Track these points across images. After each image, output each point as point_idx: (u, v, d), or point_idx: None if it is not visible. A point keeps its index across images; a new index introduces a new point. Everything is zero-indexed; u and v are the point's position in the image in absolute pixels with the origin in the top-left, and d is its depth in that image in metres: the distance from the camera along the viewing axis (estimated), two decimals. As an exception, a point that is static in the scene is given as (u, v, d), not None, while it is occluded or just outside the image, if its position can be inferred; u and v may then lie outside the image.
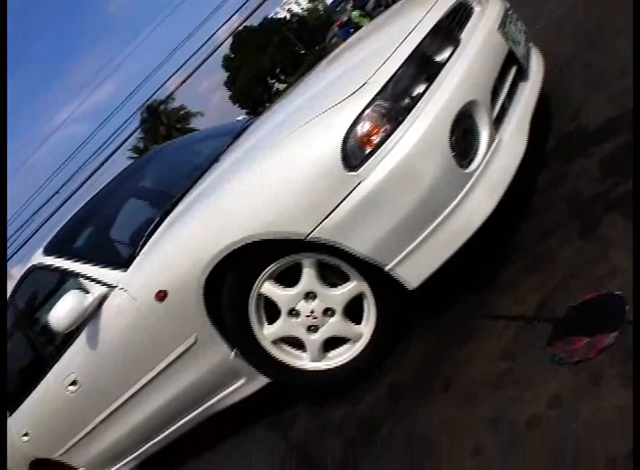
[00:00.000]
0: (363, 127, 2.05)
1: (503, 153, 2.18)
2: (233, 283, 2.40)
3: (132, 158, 31.51)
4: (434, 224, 2.05)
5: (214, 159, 3.19)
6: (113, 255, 3.39)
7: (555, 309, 1.85)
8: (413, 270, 2.12)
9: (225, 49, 38.61)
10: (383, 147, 2.03)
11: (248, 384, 2.80)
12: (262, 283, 2.37)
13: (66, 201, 22.38)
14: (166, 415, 3.24)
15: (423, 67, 2.18)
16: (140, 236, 2.90)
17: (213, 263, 2.35)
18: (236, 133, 3.57)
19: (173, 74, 29.29)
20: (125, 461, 3.82)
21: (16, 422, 4.16)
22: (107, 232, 3.76)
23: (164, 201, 3.10)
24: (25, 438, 4.13)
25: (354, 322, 2.39)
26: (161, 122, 44.21)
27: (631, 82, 2.47)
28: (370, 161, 2.02)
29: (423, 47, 2.26)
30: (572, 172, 2.36)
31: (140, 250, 2.82)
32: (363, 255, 2.10)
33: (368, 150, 2.03)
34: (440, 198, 2.05)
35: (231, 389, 2.88)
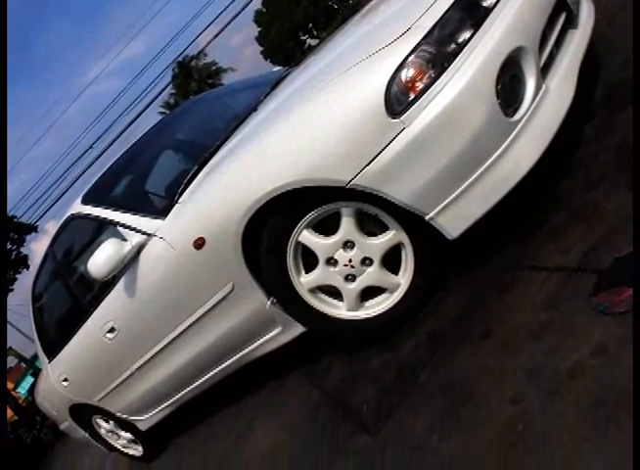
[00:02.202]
0: (407, 73, 2.00)
1: (550, 102, 2.11)
2: (271, 231, 2.39)
3: (163, 113, 31.52)
4: (476, 173, 2.02)
5: (253, 108, 3.16)
6: (151, 203, 3.41)
7: (599, 261, 1.81)
8: (454, 220, 2.09)
9: (257, 3, 38.06)
10: (427, 93, 1.98)
11: (283, 333, 2.83)
12: (301, 231, 2.36)
13: (98, 156, 22.60)
14: (202, 363, 3.30)
15: (469, 11, 2.10)
16: (178, 185, 2.90)
17: (253, 211, 2.35)
18: (274, 83, 3.52)
19: (205, 29, 29.08)
20: (161, 408, 3.92)
21: (56, 368, 4.28)
22: (145, 181, 3.77)
23: (202, 150, 3.08)
24: (65, 383, 4.26)
25: (392, 272, 2.39)
26: (193, 78, 44.05)
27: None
28: (414, 107, 1.98)
29: None
30: (621, 123, 2.29)
31: (178, 198, 2.83)
32: (404, 203, 2.08)
33: (412, 96, 1.99)
34: (484, 146, 2.00)
35: (267, 337, 2.91)
